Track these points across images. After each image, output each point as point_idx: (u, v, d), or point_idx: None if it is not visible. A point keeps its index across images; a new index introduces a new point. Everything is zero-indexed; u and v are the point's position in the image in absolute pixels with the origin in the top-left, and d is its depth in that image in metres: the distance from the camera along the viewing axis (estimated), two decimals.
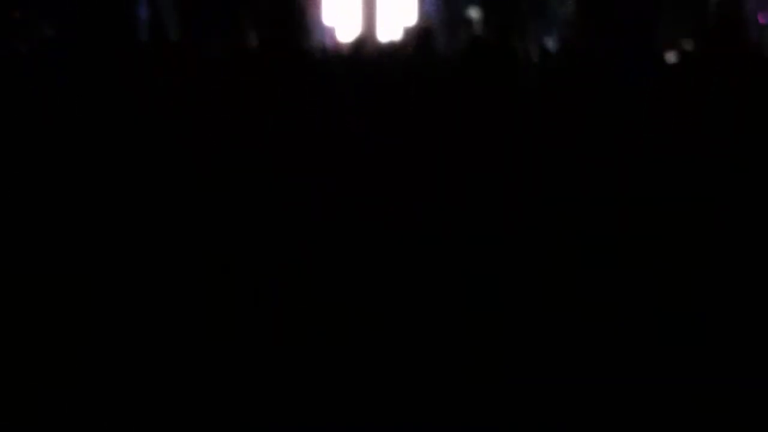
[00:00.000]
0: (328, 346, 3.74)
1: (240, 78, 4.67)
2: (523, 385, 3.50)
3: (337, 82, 6.14)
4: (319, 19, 11.54)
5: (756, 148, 4.50)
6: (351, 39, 9.53)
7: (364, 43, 8.85)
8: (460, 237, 4.43)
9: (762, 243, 4.21)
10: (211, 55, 5.31)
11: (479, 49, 4.77)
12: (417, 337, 3.87)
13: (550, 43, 7.90)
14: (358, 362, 3.65)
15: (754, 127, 4.55)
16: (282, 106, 4.68)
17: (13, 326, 3.86)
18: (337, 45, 10.90)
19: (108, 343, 3.76)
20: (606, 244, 4.34)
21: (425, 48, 7.51)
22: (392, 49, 8.69)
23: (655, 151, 4.65)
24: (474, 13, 11.43)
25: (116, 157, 4.77)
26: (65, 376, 3.52)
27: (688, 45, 5.86)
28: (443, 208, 4.53)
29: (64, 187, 4.75)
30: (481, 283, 4.19)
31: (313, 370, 3.57)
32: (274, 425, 3.28)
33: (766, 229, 4.24)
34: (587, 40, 5.85)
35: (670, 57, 6.26)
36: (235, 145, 4.61)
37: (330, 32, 11.67)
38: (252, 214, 4.38)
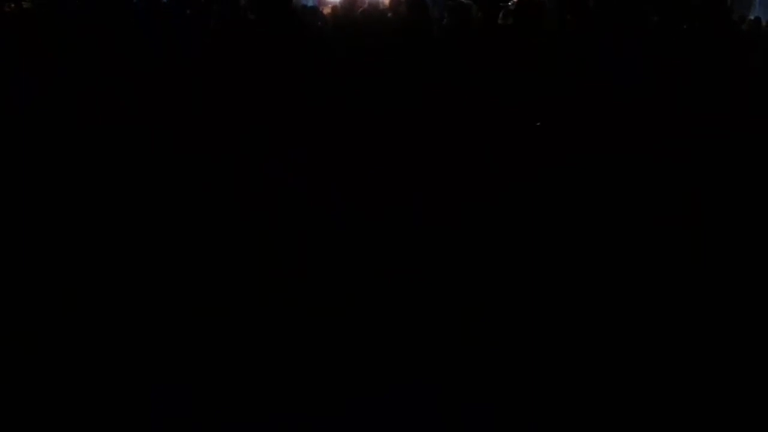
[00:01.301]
0: (325, 342, 3.74)
1: (234, 45, 4.59)
2: (521, 384, 3.52)
3: (329, 45, 6.05)
4: None
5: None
6: None
7: (355, 2, 8.74)
8: (458, 221, 4.42)
9: (760, 244, 4.22)
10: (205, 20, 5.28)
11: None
12: (415, 336, 3.86)
13: None
14: (354, 360, 3.64)
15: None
16: (275, 73, 4.60)
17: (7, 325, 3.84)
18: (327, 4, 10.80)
19: (107, 341, 3.74)
20: (606, 242, 4.34)
21: (418, 7, 7.43)
22: (384, 8, 8.60)
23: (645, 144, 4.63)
24: None
25: (103, 127, 4.70)
26: (62, 375, 3.49)
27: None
28: (440, 189, 4.51)
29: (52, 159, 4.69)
30: (481, 281, 4.19)
31: (308, 365, 3.57)
32: (272, 420, 3.28)
33: (764, 230, 4.26)
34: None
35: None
36: (225, 115, 4.53)
37: None
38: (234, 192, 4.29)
